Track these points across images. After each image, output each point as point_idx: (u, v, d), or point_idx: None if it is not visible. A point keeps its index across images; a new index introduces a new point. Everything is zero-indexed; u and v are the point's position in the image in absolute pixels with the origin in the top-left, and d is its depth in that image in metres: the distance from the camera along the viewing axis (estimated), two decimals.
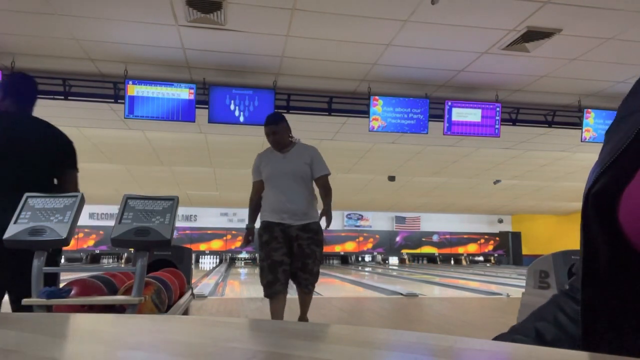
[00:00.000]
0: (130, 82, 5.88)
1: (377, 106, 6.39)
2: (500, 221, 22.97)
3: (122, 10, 4.55)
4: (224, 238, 20.74)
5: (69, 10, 4.56)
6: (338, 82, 6.29)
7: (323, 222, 3.58)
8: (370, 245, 22.09)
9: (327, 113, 6.64)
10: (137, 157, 10.05)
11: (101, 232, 19.56)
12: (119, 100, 6.05)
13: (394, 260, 22.35)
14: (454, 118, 6.60)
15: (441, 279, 12.11)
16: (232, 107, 6.14)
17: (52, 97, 5.98)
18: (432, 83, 6.36)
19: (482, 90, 6.55)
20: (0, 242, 2.05)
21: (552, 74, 6.03)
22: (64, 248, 2.33)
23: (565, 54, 5.44)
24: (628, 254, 0.48)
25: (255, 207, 3.71)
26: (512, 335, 0.62)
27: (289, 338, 0.48)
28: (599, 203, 0.51)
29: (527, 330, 0.61)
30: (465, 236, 22.94)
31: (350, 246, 21.89)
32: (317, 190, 3.65)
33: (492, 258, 23.13)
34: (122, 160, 10.46)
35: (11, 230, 2.08)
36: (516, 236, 22.92)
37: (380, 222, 22.12)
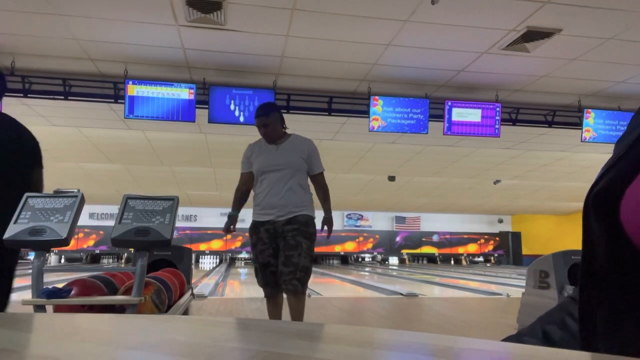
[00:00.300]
0: (130, 82, 5.88)
1: (377, 106, 6.39)
2: (500, 221, 22.97)
3: (122, 10, 4.55)
4: (224, 238, 20.73)
5: (69, 10, 4.56)
6: (338, 82, 6.29)
7: (318, 222, 3.41)
8: (370, 245, 22.09)
9: (327, 113, 6.64)
10: (137, 157, 10.05)
11: (101, 232, 19.56)
12: (119, 100, 6.05)
13: (393, 260, 22.36)
14: (454, 118, 6.60)
15: (441, 279, 12.11)
16: (232, 107, 6.14)
17: (52, 97, 5.99)
18: (432, 83, 6.36)
19: (482, 90, 6.55)
20: None
21: (552, 74, 6.03)
22: (64, 248, 2.34)
23: (565, 54, 5.44)
24: (628, 253, 0.48)
25: (241, 196, 3.47)
26: (520, 337, 0.63)
27: (289, 338, 0.48)
28: (601, 202, 0.51)
29: (535, 333, 0.62)
30: (465, 236, 22.95)
31: (350, 246, 21.89)
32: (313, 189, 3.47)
33: (492, 258, 23.13)
34: (122, 160, 10.46)
35: (11, 230, 2.08)
36: (516, 236, 22.92)
37: (380, 222, 22.12)
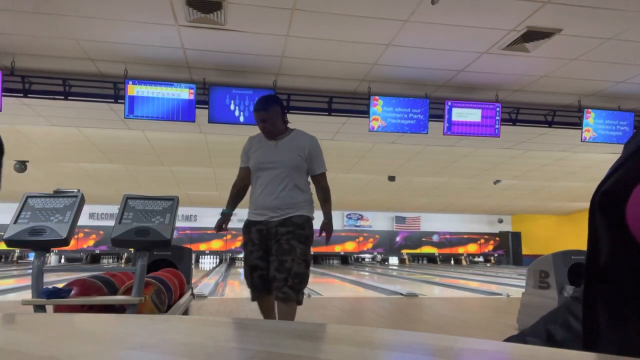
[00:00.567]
0: (130, 82, 5.88)
1: (377, 106, 6.39)
2: (500, 221, 22.97)
3: (122, 10, 4.55)
4: (224, 238, 20.73)
5: (69, 10, 4.56)
6: (338, 82, 6.29)
7: (319, 222, 3.24)
8: (370, 245, 22.10)
9: (327, 113, 6.64)
10: (137, 157, 10.05)
11: (101, 232, 19.56)
12: (119, 100, 6.04)
13: (393, 260, 22.36)
14: (454, 118, 6.60)
15: (441, 279, 12.11)
16: (232, 107, 6.14)
17: (52, 97, 5.98)
18: (432, 83, 6.36)
19: (482, 90, 6.55)
20: None
21: (552, 74, 6.03)
22: (64, 248, 2.35)
23: (565, 54, 5.44)
24: (633, 253, 0.48)
25: (237, 192, 3.29)
26: (523, 337, 0.63)
27: (289, 338, 0.48)
28: (607, 202, 0.51)
29: (538, 333, 0.62)
30: (465, 236, 22.95)
31: (350, 246, 21.89)
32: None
33: (492, 258, 23.14)
34: (122, 160, 10.46)
35: (11, 230, 2.08)
36: (516, 236, 22.92)
37: (380, 222, 22.13)
